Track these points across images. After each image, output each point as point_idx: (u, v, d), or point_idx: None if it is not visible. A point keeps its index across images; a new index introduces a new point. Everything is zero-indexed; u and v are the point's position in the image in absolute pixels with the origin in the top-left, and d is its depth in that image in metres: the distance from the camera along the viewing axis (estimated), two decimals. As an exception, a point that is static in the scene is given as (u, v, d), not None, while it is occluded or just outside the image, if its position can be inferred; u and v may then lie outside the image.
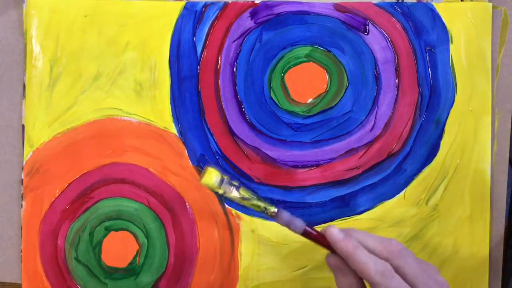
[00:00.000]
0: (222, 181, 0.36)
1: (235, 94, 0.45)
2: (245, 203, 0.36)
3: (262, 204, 0.36)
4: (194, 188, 0.45)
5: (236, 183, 0.36)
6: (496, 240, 0.46)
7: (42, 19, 0.45)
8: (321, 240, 0.36)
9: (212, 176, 0.36)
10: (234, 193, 0.36)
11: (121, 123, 0.45)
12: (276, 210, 0.37)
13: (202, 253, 0.45)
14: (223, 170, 0.45)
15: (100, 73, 0.45)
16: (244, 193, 0.36)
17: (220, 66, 0.45)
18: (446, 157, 0.45)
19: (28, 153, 0.45)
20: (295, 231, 0.37)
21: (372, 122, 0.45)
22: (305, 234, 0.37)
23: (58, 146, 0.45)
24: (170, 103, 0.45)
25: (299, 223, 0.36)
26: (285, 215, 0.36)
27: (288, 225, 0.36)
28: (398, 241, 0.35)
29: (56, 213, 0.45)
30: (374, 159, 0.45)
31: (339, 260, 0.35)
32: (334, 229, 0.36)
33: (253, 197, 0.36)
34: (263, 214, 0.37)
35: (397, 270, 0.33)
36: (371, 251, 0.34)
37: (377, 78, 0.45)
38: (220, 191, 0.36)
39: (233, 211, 0.45)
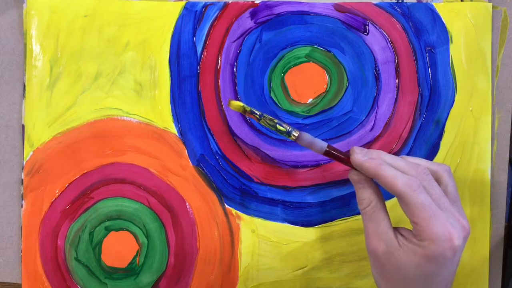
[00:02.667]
0: (244, 111, 0.39)
1: (235, 94, 0.45)
2: (269, 128, 0.38)
3: (283, 129, 0.38)
4: (194, 188, 0.45)
5: (257, 113, 0.38)
6: (496, 240, 0.46)
7: (42, 19, 0.45)
8: (344, 160, 0.37)
9: (236, 106, 0.38)
10: (256, 119, 0.39)
11: (121, 123, 0.45)
12: (297, 134, 0.38)
13: (202, 253, 0.45)
14: (222, 169, 0.45)
15: (100, 73, 0.45)
16: (264, 123, 0.38)
17: (220, 66, 0.45)
18: (446, 157, 0.45)
19: (28, 153, 0.45)
20: (317, 152, 0.37)
21: (372, 122, 0.45)
22: (327, 154, 0.37)
23: (58, 146, 0.45)
24: (170, 103, 0.45)
25: (321, 143, 0.37)
26: (307, 137, 0.38)
27: (310, 146, 0.37)
28: (427, 168, 0.35)
29: (56, 213, 0.45)
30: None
31: (362, 175, 0.36)
32: (358, 154, 0.36)
33: (276, 123, 0.38)
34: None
35: (424, 189, 0.33)
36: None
37: (377, 78, 0.45)
38: (247, 114, 0.39)
39: (233, 211, 0.45)
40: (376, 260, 0.35)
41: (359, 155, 0.36)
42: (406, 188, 0.33)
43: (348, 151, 0.37)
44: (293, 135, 0.38)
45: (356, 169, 0.36)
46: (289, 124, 0.40)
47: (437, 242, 0.32)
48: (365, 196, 0.35)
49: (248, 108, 0.39)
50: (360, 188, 0.36)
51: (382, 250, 0.34)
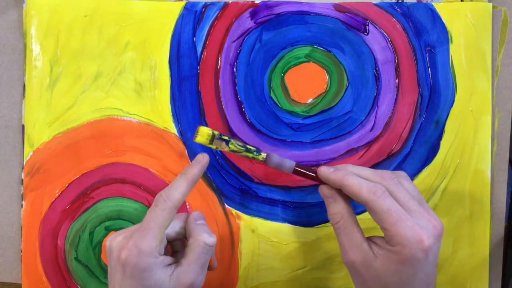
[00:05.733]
0: (213, 137, 0.37)
1: (235, 94, 0.45)
2: (237, 154, 0.38)
3: (250, 155, 0.38)
4: (194, 188, 0.45)
5: (226, 137, 0.38)
6: (496, 240, 0.46)
7: (42, 19, 0.45)
8: (313, 177, 0.38)
9: (204, 134, 0.37)
10: (224, 147, 0.38)
11: (121, 123, 0.45)
12: (265, 155, 0.38)
13: (202, 253, 0.45)
14: (222, 169, 0.45)
15: (100, 73, 0.45)
16: (233, 146, 0.38)
17: (220, 66, 0.45)
18: (446, 157, 0.45)
19: (28, 153, 0.45)
20: (286, 172, 0.38)
21: (372, 122, 0.45)
22: (296, 172, 0.38)
23: (58, 146, 0.45)
24: (170, 103, 0.45)
25: (289, 163, 0.38)
26: (275, 158, 0.38)
27: (279, 167, 0.38)
28: (391, 172, 0.36)
29: (56, 213, 0.45)
30: (374, 159, 0.45)
31: (330, 189, 0.36)
32: (324, 166, 0.37)
33: (242, 149, 0.38)
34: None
35: (390, 194, 0.34)
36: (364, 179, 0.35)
37: (377, 78, 0.45)
38: (213, 147, 0.38)
39: (233, 211, 0.45)
40: (355, 272, 0.35)
41: (325, 168, 0.37)
42: (370, 195, 0.33)
43: (315, 169, 0.38)
44: (262, 157, 0.38)
45: (325, 184, 0.37)
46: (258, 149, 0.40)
47: (407, 245, 0.32)
48: (336, 210, 0.36)
49: (217, 133, 0.38)
50: (330, 203, 0.36)
51: (359, 262, 0.34)
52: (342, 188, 0.35)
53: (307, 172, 0.38)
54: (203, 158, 0.37)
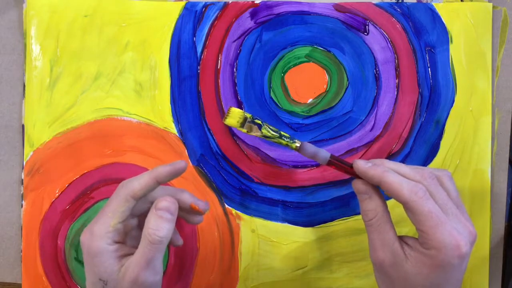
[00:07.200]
0: (245, 120, 0.36)
1: (235, 94, 0.45)
2: (269, 139, 0.37)
3: (284, 141, 0.37)
4: (194, 188, 0.45)
5: (259, 121, 0.36)
6: (496, 240, 0.46)
7: (42, 19, 0.45)
8: (348, 169, 0.36)
9: (236, 116, 0.36)
10: (256, 132, 0.37)
11: (121, 123, 0.45)
12: (299, 144, 0.37)
13: (202, 253, 0.45)
14: (222, 169, 0.45)
15: (100, 73, 0.45)
16: (266, 131, 0.36)
17: (220, 66, 0.45)
18: (446, 157, 0.45)
19: (28, 153, 0.45)
20: (321, 163, 0.37)
21: (372, 122, 0.45)
22: (330, 163, 0.37)
23: (58, 146, 0.45)
24: (170, 103, 0.45)
25: (324, 154, 0.36)
26: (309, 147, 0.37)
27: (313, 157, 0.37)
28: (432, 170, 0.34)
29: (56, 213, 0.45)
30: (374, 159, 0.45)
31: (366, 184, 0.35)
32: (361, 160, 0.35)
33: (276, 135, 0.36)
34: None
35: (430, 194, 0.32)
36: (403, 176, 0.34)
37: (377, 78, 0.45)
38: (243, 131, 0.36)
39: (233, 211, 0.45)
40: (382, 272, 0.34)
41: (362, 163, 0.35)
42: (412, 195, 0.32)
43: (350, 162, 0.37)
44: (296, 146, 0.37)
45: (360, 178, 0.36)
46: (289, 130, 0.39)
47: (443, 251, 0.31)
48: (371, 207, 0.34)
49: (249, 115, 0.36)
50: (365, 199, 0.35)
51: (389, 262, 0.33)
52: (380, 185, 0.34)
53: (342, 164, 0.36)
54: (179, 163, 0.35)
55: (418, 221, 0.32)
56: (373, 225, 0.34)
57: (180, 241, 0.39)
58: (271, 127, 0.37)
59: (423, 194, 0.32)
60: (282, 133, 0.37)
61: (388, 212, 0.35)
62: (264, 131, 0.36)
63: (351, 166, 0.36)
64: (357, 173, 0.35)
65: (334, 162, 0.37)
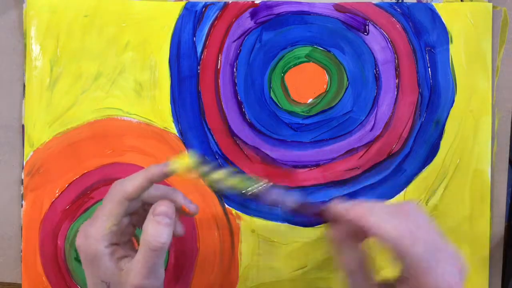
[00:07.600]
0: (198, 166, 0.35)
1: (235, 94, 0.45)
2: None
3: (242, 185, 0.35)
4: (194, 188, 0.45)
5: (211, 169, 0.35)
6: (496, 240, 0.46)
7: (42, 19, 0.45)
8: (319, 214, 0.35)
9: (185, 163, 0.35)
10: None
11: (121, 123, 0.45)
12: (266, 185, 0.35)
13: (202, 253, 0.45)
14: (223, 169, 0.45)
15: (100, 73, 0.45)
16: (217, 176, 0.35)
17: (220, 66, 0.45)
18: (446, 157, 0.45)
19: (28, 153, 0.45)
20: (286, 210, 0.36)
21: (372, 122, 0.45)
22: (299, 211, 0.35)
23: (58, 146, 0.45)
24: (170, 103, 0.45)
25: (292, 198, 0.35)
26: (275, 191, 0.35)
27: (277, 204, 0.35)
28: (414, 203, 0.32)
29: (56, 213, 0.45)
30: (374, 159, 0.45)
31: (344, 231, 0.33)
32: (337, 201, 0.33)
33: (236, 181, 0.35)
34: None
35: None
36: None
37: (377, 78, 0.45)
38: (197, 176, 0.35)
39: (233, 211, 0.45)
40: None
41: (339, 203, 0.32)
42: (399, 240, 0.29)
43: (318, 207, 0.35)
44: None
45: (333, 223, 0.33)
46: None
47: None
48: (352, 257, 0.32)
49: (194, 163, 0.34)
50: (345, 250, 0.32)
51: None
52: (361, 227, 0.30)
53: (313, 212, 0.34)
54: (173, 164, 0.35)
55: (406, 266, 0.29)
56: (354, 275, 0.32)
57: (182, 231, 0.37)
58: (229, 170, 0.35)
59: (413, 239, 0.29)
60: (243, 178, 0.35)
61: (371, 259, 0.32)
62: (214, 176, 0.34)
63: (321, 209, 0.34)
64: (335, 214, 0.33)
65: (305, 208, 0.34)
